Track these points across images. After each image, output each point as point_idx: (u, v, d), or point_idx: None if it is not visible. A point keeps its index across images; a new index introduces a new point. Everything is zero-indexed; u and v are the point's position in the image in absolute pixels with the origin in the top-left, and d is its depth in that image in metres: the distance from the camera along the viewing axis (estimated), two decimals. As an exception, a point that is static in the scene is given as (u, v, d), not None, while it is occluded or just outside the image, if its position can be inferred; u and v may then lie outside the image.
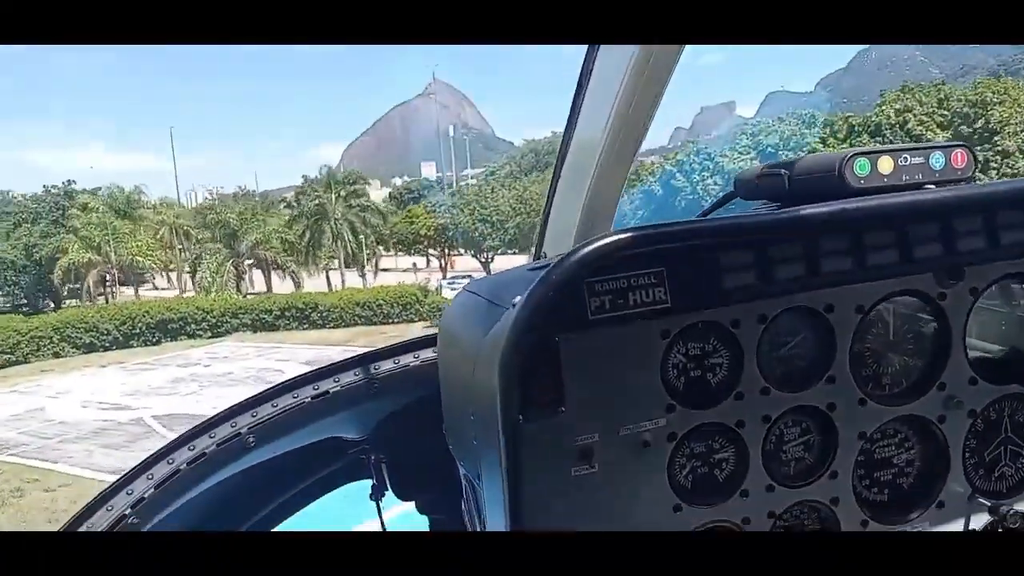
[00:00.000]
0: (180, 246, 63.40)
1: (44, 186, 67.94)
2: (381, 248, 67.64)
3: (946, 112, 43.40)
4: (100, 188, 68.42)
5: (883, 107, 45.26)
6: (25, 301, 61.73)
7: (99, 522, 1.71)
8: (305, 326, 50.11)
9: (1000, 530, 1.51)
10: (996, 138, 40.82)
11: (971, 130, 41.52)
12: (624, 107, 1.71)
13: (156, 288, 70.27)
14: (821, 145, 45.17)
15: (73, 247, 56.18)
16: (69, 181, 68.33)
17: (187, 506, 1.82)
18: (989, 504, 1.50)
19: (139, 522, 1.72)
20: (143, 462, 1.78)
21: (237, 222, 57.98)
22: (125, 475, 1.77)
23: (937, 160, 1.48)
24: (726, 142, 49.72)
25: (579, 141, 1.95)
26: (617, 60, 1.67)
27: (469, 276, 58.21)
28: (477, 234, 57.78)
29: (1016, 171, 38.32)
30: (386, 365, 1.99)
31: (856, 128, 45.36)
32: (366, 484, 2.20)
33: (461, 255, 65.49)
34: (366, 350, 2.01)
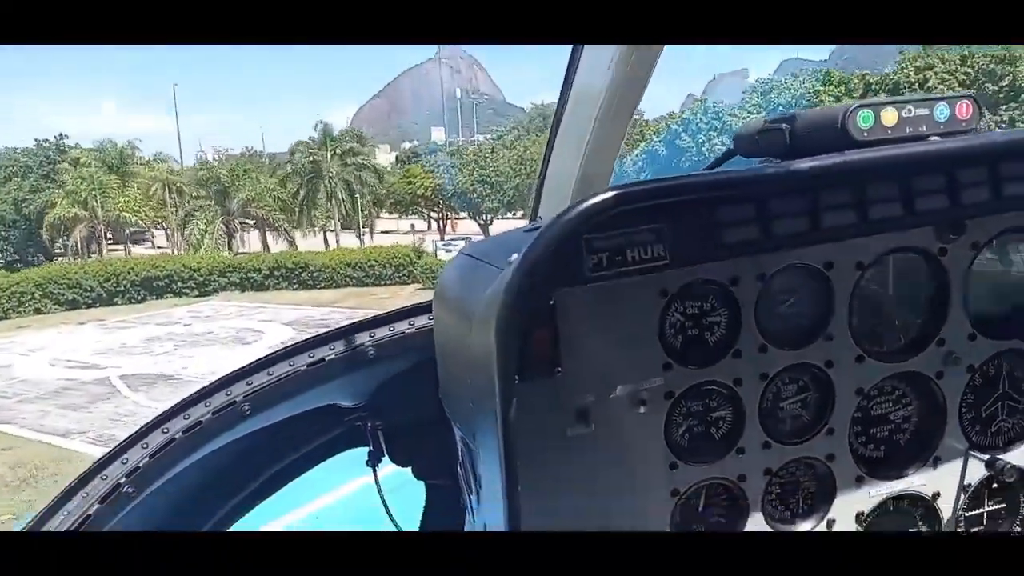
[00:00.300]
0: (173, 203, 61.75)
1: (35, 139, 66.28)
2: (377, 209, 65.81)
3: (969, 69, 40.89)
4: (93, 144, 66.71)
5: (903, 65, 42.77)
6: (17, 257, 60.47)
7: (94, 492, 1.69)
8: (295, 286, 48.60)
9: (996, 485, 1.57)
10: (1024, 96, 38.55)
11: (996, 88, 39.12)
12: (622, 65, 1.65)
13: (155, 247, 68.86)
14: (835, 103, 43.03)
15: (60, 202, 54.71)
16: (61, 135, 66.61)
17: (183, 474, 1.80)
18: (986, 459, 1.51)
19: (134, 491, 1.71)
20: (138, 431, 1.77)
21: (228, 178, 56.24)
22: (120, 444, 1.75)
23: (942, 111, 1.42)
24: (736, 101, 47.43)
25: (575, 102, 1.89)
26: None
27: (469, 239, 56.94)
28: (475, 195, 55.88)
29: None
30: (381, 332, 1.96)
31: (873, 86, 42.92)
32: (363, 451, 2.16)
33: (463, 218, 63.68)
34: (361, 318, 1.97)
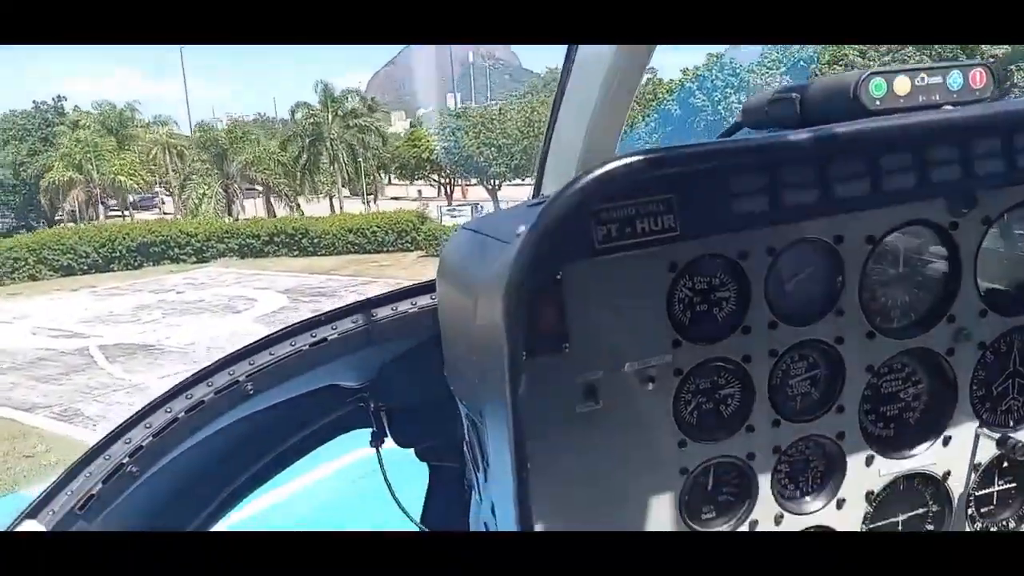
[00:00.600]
0: (174, 167, 60.26)
1: (34, 102, 64.82)
2: (382, 173, 63.98)
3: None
4: (92, 106, 65.17)
5: (934, 16, 40.19)
6: (18, 223, 59.42)
7: (97, 471, 1.68)
8: (295, 252, 47.19)
9: (1006, 464, 1.56)
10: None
11: None
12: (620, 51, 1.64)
13: (164, 213, 67.40)
14: (860, 58, 40.44)
15: (56, 165, 53.37)
16: (59, 97, 65.16)
17: (186, 454, 1.80)
18: (997, 437, 1.52)
19: (137, 471, 1.70)
20: (140, 410, 1.77)
21: (227, 141, 54.55)
22: (122, 424, 1.75)
23: (955, 80, 1.40)
24: (754, 58, 44.97)
25: (580, 68, 1.85)
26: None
27: (477, 205, 55.08)
28: (482, 159, 53.91)
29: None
30: (383, 312, 1.94)
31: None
32: (365, 431, 2.16)
33: (474, 185, 61.73)
34: (363, 297, 1.96)
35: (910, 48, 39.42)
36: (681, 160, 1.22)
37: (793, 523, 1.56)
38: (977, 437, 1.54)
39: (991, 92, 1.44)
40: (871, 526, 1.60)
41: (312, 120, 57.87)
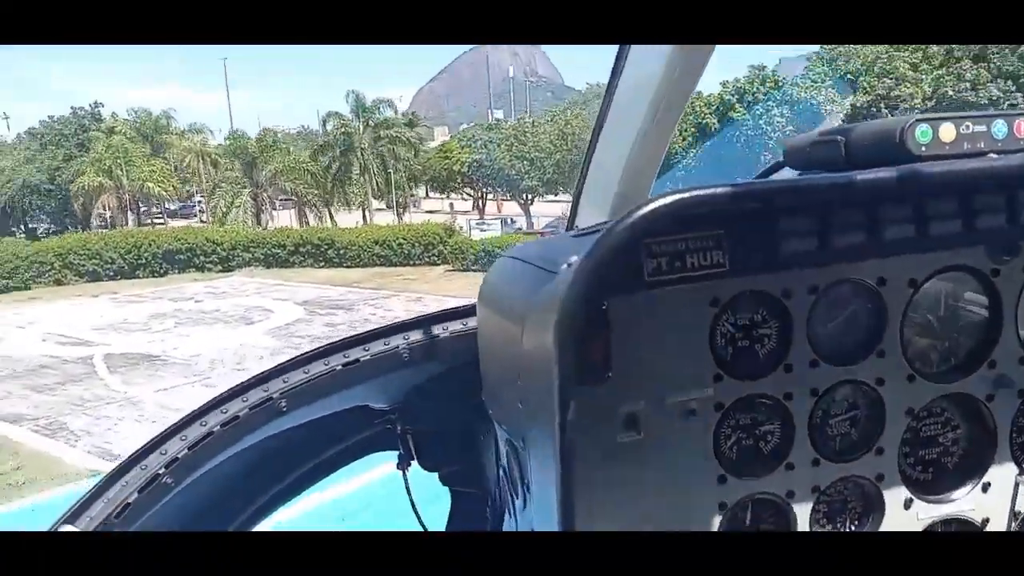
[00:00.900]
0: (207, 175, 60.16)
1: (72, 107, 65.49)
2: (412, 185, 63.06)
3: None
4: (127, 114, 65.59)
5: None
6: (52, 227, 59.84)
7: (133, 481, 1.73)
8: (320, 263, 46.36)
9: None
10: None
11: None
12: (673, 61, 1.59)
13: (202, 222, 67.35)
14: (911, 71, 38.21)
15: (88, 171, 53.51)
16: (96, 103, 65.66)
17: (219, 467, 1.84)
18: None
19: (172, 482, 1.75)
20: (175, 424, 1.80)
21: (256, 149, 54.14)
22: (158, 436, 1.79)
23: (999, 129, 1.40)
24: (798, 71, 42.96)
25: (620, 102, 1.85)
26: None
27: (508, 219, 53.65)
28: (514, 172, 52.67)
29: None
30: (415, 336, 1.97)
31: (955, 52, 38.11)
32: (392, 453, 2.20)
33: (507, 200, 60.46)
34: (397, 320, 1.99)
35: (966, 60, 37.14)
36: (733, 198, 1.23)
37: None
38: (1017, 485, 1.50)
39: None
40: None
41: (343, 130, 57.25)
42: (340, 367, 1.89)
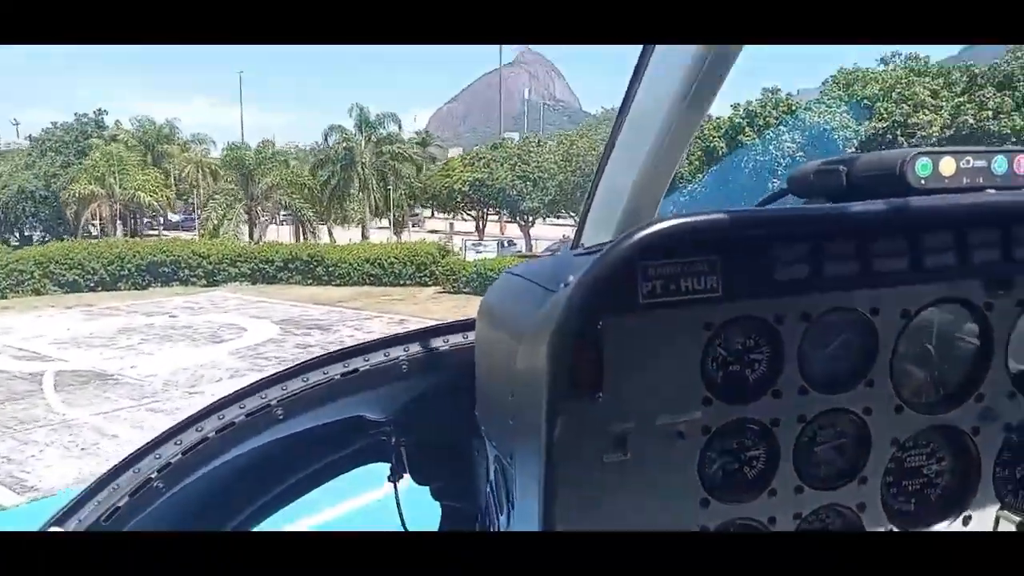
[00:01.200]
0: (205, 186, 58.90)
1: (75, 114, 64.67)
2: (412, 203, 61.41)
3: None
4: (130, 122, 64.55)
5: (1018, 54, 35.78)
6: (46, 235, 58.61)
7: (125, 484, 1.73)
8: (309, 280, 44.76)
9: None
10: None
11: None
12: (679, 99, 1.56)
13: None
14: (931, 98, 36.28)
15: (81, 178, 52.31)
16: (100, 111, 64.77)
17: (212, 473, 1.84)
18: (1017, 520, 1.50)
19: (164, 487, 1.75)
20: (171, 429, 1.81)
21: (253, 161, 52.73)
22: (153, 440, 1.80)
23: (1000, 164, 1.42)
24: (812, 95, 41.13)
25: (634, 120, 1.81)
26: (674, 55, 1.55)
27: (507, 241, 51.85)
28: (515, 192, 50.97)
29: None
30: (414, 348, 1.97)
31: (979, 79, 36.12)
32: (385, 465, 2.19)
33: (510, 221, 58.77)
34: (396, 332, 1.99)
35: (989, 88, 35.12)
36: (729, 225, 1.27)
37: None
38: (997, 520, 1.51)
39: None
40: None
41: (345, 144, 55.82)
42: (338, 376, 1.89)
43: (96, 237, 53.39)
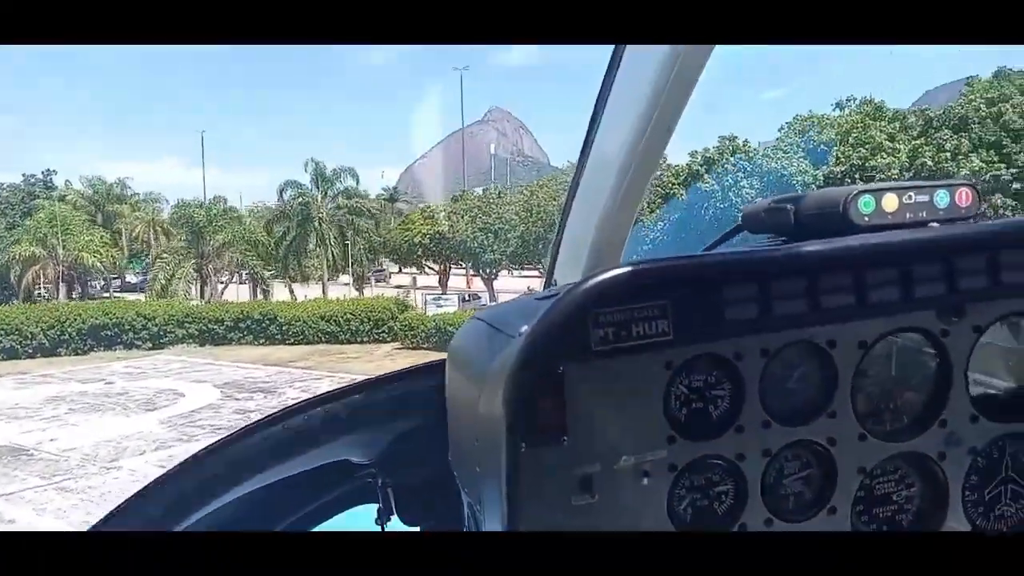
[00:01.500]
0: (157, 245, 57.04)
1: (23, 175, 62.79)
2: (372, 257, 59.98)
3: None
4: (81, 181, 62.76)
5: (971, 97, 35.76)
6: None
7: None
8: (261, 340, 42.94)
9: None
10: None
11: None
12: (642, 125, 1.67)
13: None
14: (888, 141, 36.02)
15: (24, 239, 50.23)
16: (48, 171, 63.03)
17: (195, 526, 1.79)
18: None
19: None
20: (150, 484, 1.77)
21: (204, 219, 51.09)
22: (136, 493, 1.75)
23: (942, 198, 1.48)
24: (769, 141, 40.85)
25: (595, 161, 1.94)
26: (637, 75, 1.67)
27: (469, 296, 50.52)
28: (476, 244, 49.88)
29: None
30: (395, 390, 1.97)
31: (934, 122, 35.97)
32: (373, 508, 2.17)
33: (476, 276, 57.57)
34: (376, 375, 1.99)
35: (945, 130, 34.93)
36: (676, 270, 1.33)
37: None
38: None
39: (976, 211, 1.49)
40: None
41: (300, 200, 54.47)
42: (319, 422, 1.88)
43: (43, 301, 51.12)
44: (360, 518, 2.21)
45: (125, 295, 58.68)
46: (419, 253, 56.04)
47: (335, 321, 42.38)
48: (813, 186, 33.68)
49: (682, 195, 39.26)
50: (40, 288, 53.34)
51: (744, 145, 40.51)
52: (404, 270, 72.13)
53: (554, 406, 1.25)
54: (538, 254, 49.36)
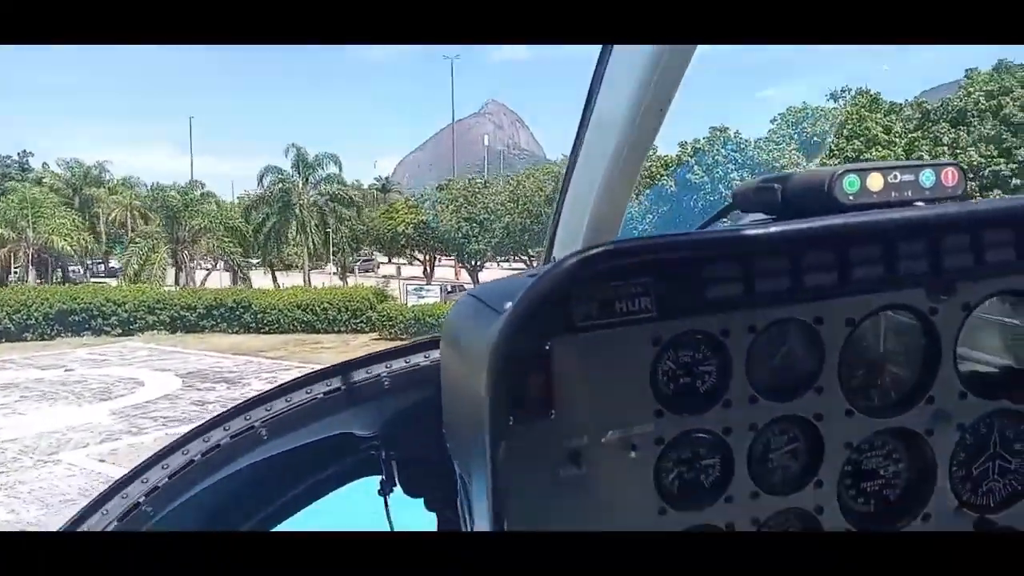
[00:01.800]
0: (134, 229, 55.57)
1: (-3, 156, 61.20)
2: (355, 246, 58.54)
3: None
4: (58, 164, 61.14)
5: (970, 89, 34.58)
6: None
7: (114, 509, 1.76)
8: (235, 328, 41.59)
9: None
10: None
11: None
12: (632, 111, 1.70)
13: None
14: (884, 133, 34.87)
15: (-6, 222, 48.70)
16: (24, 152, 61.46)
17: (200, 496, 1.87)
18: (975, 518, 1.52)
19: (152, 511, 1.78)
20: (158, 453, 1.84)
21: (180, 203, 49.60)
22: (140, 465, 1.83)
23: (927, 178, 1.48)
24: (761, 133, 39.63)
25: (588, 146, 1.98)
26: (628, 63, 1.69)
27: (449, 287, 49.26)
28: (460, 234, 48.60)
29: None
30: (397, 363, 2.03)
31: (932, 115, 34.81)
32: (376, 479, 2.21)
33: (463, 266, 56.27)
34: (377, 350, 2.03)
35: (943, 123, 33.78)
36: (658, 248, 1.33)
37: None
38: (956, 517, 1.53)
39: (962, 190, 1.48)
40: None
41: (281, 186, 52.95)
42: (321, 395, 1.93)
43: (15, 284, 49.63)
44: (363, 489, 2.21)
45: (110, 280, 57.25)
46: (403, 243, 54.70)
47: (311, 310, 41.09)
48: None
49: (671, 186, 38.04)
50: (12, 272, 51.84)
51: (735, 136, 39.28)
52: (394, 260, 70.80)
53: (541, 381, 1.25)
54: (524, 244, 48.13)
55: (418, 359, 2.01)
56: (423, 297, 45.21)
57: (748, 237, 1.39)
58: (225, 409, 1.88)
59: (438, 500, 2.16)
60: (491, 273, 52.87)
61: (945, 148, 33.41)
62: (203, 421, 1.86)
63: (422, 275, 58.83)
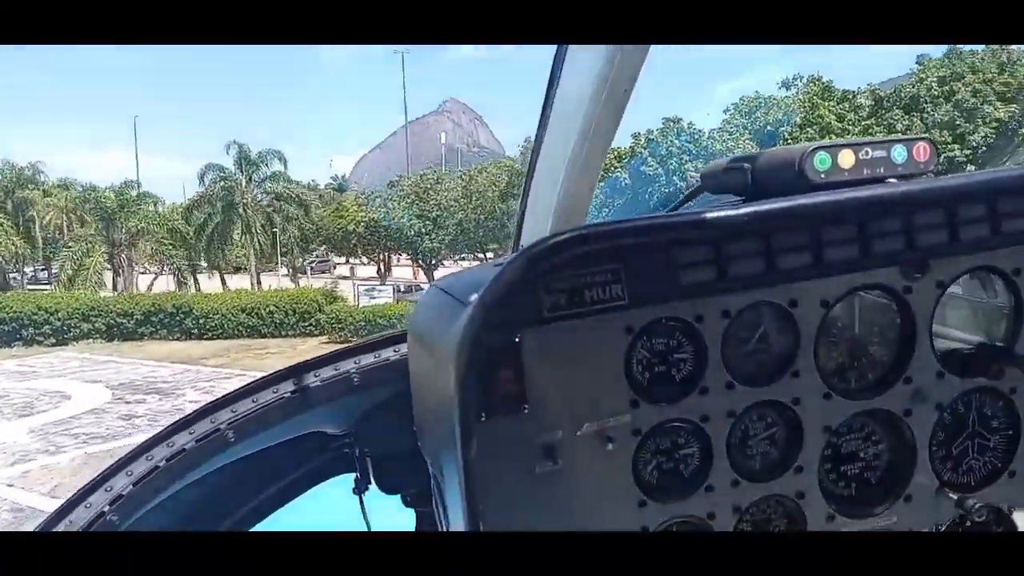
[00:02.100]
0: (70, 233, 52.94)
1: (-80, 160, 57.83)
2: (304, 246, 56.69)
3: (1011, 80, 32.41)
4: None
5: (923, 75, 34.37)
6: None
7: (78, 519, 1.71)
8: (176, 334, 39.63)
9: (968, 524, 1.56)
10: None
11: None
12: (593, 104, 1.67)
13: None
14: (837, 121, 34.52)
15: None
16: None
17: (167, 503, 1.82)
18: (956, 497, 1.51)
19: (118, 519, 1.72)
20: (121, 459, 1.78)
21: (115, 204, 47.30)
22: (103, 472, 1.76)
23: (899, 153, 1.45)
24: (715, 123, 39.09)
25: (551, 136, 1.94)
26: (587, 57, 1.67)
27: (404, 287, 47.75)
28: (413, 232, 47.21)
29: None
30: (366, 359, 1.98)
31: (885, 101, 34.52)
32: (350, 478, 2.16)
33: (416, 265, 54.85)
34: (346, 346, 1.98)
35: (896, 111, 33.52)
36: (627, 233, 1.29)
37: None
38: (938, 497, 1.53)
39: (934, 166, 1.46)
40: None
41: (223, 184, 50.85)
42: (289, 394, 1.86)
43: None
44: (338, 488, 2.16)
45: (45, 289, 54.48)
46: (355, 242, 53.08)
47: (257, 314, 39.33)
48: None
49: (625, 179, 37.20)
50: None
51: (689, 127, 38.62)
52: (351, 260, 69.02)
53: (512, 375, 1.22)
54: (479, 241, 46.96)
55: (388, 353, 1.95)
56: (375, 298, 43.67)
57: (719, 219, 1.32)
58: (186, 413, 1.83)
59: (414, 496, 2.11)
60: (447, 272, 51.61)
61: (899, 135, 33.12)
62: (166, 425, 1.80)
63: (377, 274, 57.27)
